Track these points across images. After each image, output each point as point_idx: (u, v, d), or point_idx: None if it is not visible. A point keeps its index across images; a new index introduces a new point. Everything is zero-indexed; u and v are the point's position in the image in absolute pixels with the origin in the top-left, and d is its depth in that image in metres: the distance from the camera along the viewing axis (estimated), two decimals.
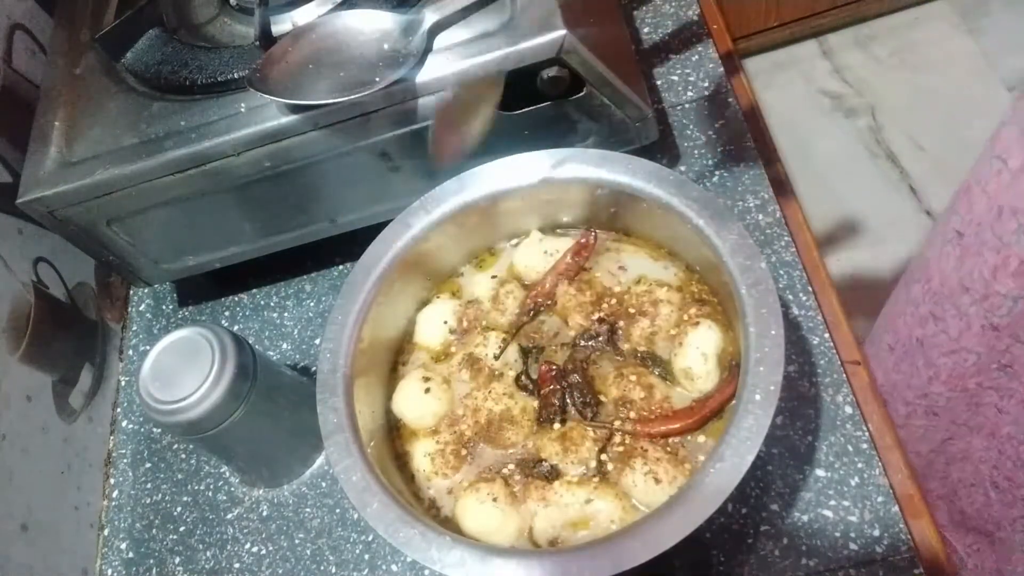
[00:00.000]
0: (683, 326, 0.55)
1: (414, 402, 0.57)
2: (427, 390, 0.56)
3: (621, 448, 0.52)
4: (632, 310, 0.57)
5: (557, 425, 0.54)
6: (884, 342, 0.85)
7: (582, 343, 0.57)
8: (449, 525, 0.52)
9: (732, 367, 0.52)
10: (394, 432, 0.58)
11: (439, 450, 0.55)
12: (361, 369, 0.55)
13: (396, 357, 0.61)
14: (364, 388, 0.55)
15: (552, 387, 0.55)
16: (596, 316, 0.57)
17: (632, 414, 0.53)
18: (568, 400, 0.55)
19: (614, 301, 0.58)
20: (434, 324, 0.61)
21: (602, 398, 0.55)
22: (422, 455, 0.55)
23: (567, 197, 0.59)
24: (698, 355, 0.53)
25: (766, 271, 0.49)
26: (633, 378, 0.54)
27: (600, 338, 0.56)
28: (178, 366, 0.57)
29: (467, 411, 0.56)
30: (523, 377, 0.57)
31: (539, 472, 0.53)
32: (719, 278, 0.53)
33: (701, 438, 0.52)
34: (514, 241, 0.63)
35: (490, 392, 0.56)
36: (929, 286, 0.74)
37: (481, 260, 0.64)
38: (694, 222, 0.53)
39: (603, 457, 0.52)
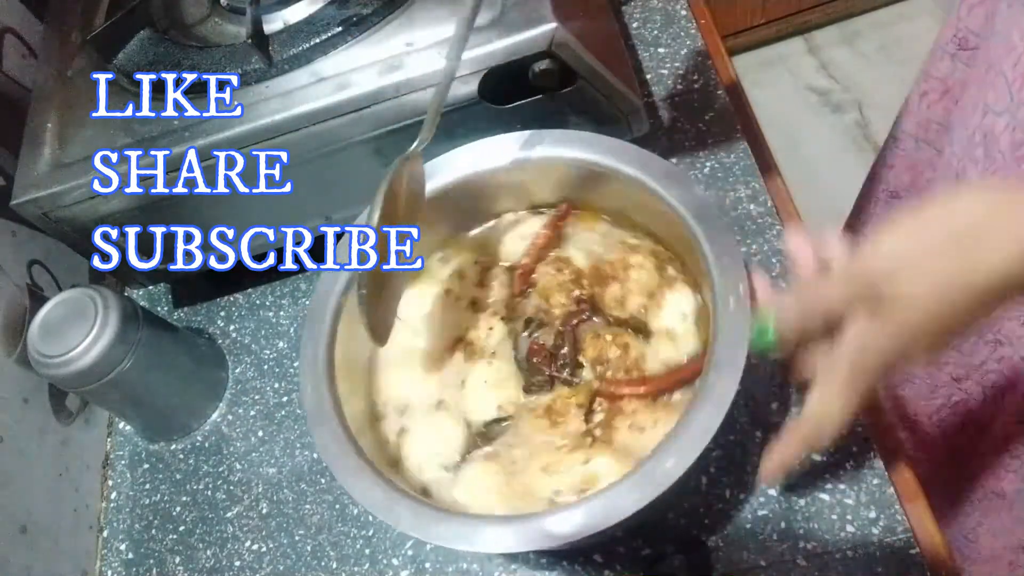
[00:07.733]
0: (661, 288, 0.56)
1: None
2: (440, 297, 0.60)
3: (603, 414, 0.54)
4: (608, 278, 0.58)
5: (542, 398, 0.56)
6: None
7: (573, 320, 0.58)
8: (390, 447, 0.56)
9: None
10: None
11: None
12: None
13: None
14: None
15: (543, 356, 0.57)
16: (576, 293, 0.59)
17: (609, 373, 0.55)
18: (553, 368, 0.57)
19: (592, 271, 0.59)
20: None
21: (582, 359, 0.56)
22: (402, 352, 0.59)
23: (541, 178, 0.61)
24: (678, 314, 0.54)
25: (730, 228, 0.51)
26: (609, 338, 0.56)
27: (584, 313, 0.58)
28: (65, 322, 0.62)
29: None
30: (516, 355, 0.59)
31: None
32: (688, 249, 0.54)
33: (677, 396, 0.53)
34: (490, 224, 0.64)
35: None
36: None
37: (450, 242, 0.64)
38: (653, 189, 0.54)
39: (590, 422, 0.54)
